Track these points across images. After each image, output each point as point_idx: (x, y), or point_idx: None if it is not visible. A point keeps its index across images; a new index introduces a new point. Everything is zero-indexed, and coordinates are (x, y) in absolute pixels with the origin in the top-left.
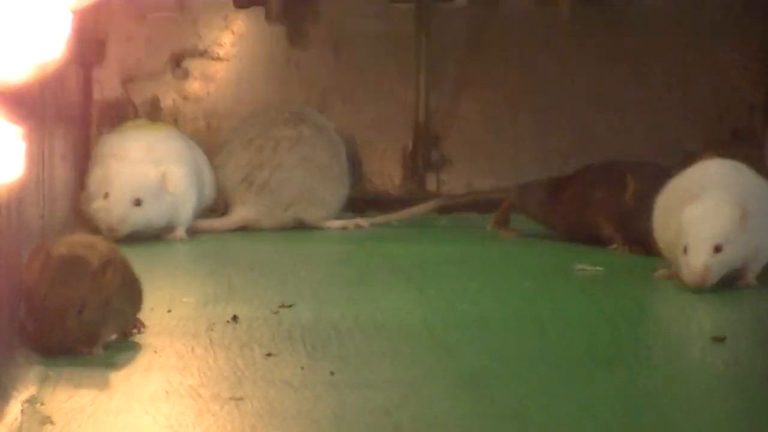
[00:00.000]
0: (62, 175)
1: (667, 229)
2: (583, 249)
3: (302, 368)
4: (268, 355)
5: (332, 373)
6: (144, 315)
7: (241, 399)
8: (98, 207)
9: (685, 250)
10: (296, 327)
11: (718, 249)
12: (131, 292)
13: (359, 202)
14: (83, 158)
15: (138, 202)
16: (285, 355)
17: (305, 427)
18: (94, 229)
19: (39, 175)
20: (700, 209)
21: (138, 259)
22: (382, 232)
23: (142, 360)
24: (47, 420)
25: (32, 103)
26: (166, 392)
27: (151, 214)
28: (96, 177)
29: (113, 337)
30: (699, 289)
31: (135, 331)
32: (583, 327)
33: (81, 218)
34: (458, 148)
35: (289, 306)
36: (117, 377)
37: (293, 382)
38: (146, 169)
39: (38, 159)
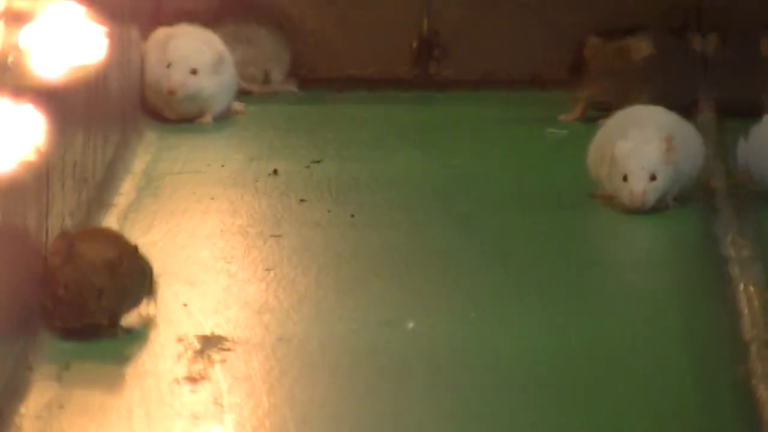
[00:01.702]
0: (136, 59)
1: (600, 164)
2: (554, 114)
3: (329, 212)
4: (302, 201)
5: (352, 216)
6: (202, 169)
7: (280, 236)
8: (161, 74)
9: (624, 179)
10: (324, 179)
11: (653, 177)
12: (144, 280)
13: (374, 83)
14: None
15: (194, 71)
16: (315, 201)
17: (331, 259)
18: (155, 98)
19: (119, 58)
20: (632, 143)
21: (195, 127)
22: (391, 103)
23: (201, 205)
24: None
25: (113, 7)
26: (221, 231)
27: (203, 84)
28: (158, 52)
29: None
30: (638, 211)
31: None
32: (552, 178)
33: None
34: (457, 41)
35: (318, 162)
36: (182, 219)
37: (321, 223)
38: (203, 47)
39: (119, 46)
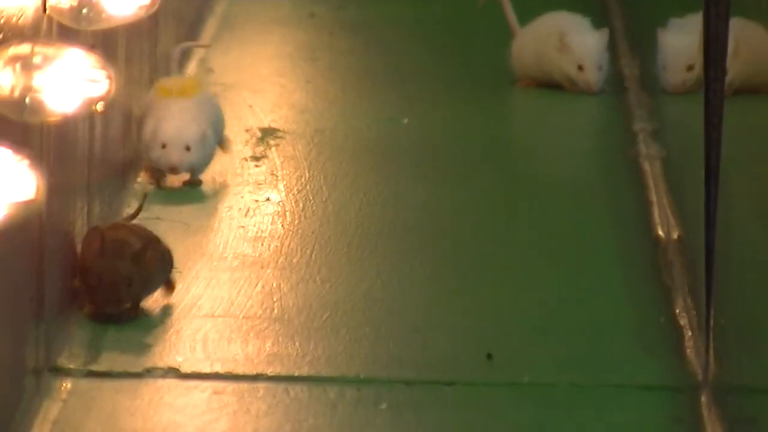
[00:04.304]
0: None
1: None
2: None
3: (350, 42)
4: (331, 34)
5: (367, 46)
6: (261, 14)
7: (316, 59)
8: (159, 154)
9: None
10: (346, 20)
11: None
12: (165, 265)
13: None
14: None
15: (188, 148)
16: (340, 36)
17: (351, 75)
18: (153, 170)
19: None
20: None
21: (243, 45)
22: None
23: (261, 37)
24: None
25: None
26: (275, 55)
27: (197, 155)
28: (150, 131)
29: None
30: None
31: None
32: (493, 45)
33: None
34: None
35: (342, 8)
36: (248, 46)
37: (345, 51)
38: (191, 124)
39: None
